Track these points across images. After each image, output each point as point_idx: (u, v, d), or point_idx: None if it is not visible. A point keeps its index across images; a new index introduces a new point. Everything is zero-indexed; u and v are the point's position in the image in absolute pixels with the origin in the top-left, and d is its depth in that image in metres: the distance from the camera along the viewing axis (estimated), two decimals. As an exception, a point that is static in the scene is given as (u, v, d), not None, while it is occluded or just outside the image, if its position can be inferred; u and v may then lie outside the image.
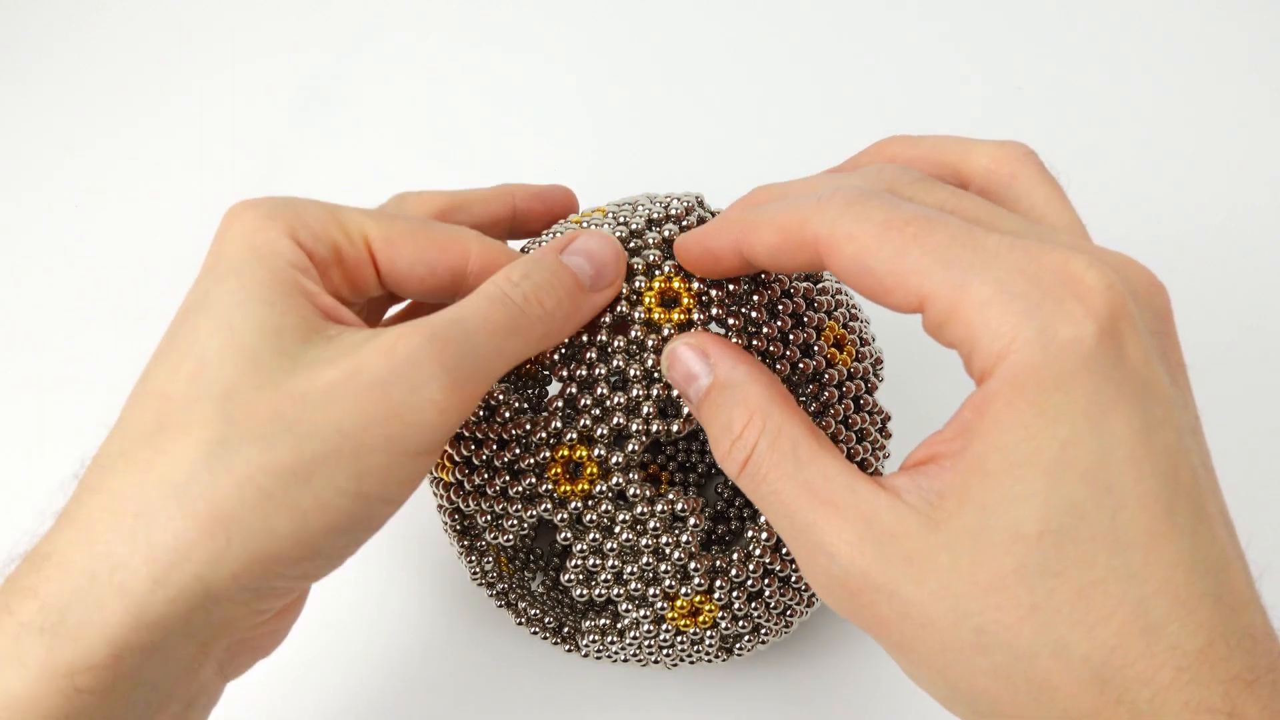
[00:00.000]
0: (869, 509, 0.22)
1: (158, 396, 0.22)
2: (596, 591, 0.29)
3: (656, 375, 0.28)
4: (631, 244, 0.29)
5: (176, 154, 0.52)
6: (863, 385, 0.30)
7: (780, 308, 0.29)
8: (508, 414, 0.28)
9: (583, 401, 0.28)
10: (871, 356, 0.31)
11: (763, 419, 0.23)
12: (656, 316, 0.28)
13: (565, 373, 0.28)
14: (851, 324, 0.31)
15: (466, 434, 0.29)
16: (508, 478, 0.28)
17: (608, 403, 0.28)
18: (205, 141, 0.52)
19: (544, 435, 0.28)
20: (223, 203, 0.49)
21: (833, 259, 0.22)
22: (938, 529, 0.21)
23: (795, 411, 0.24)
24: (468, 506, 0.30)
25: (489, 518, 0.29)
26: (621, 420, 0.28)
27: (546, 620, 0.32)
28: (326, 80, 0.55)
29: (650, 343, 0.28)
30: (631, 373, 0.28)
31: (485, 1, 0.58)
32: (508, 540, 0.29)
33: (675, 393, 0.28)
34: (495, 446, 0.29)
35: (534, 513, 0.28)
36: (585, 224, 0.30)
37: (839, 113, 0.53)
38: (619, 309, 0.28)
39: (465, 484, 0.30)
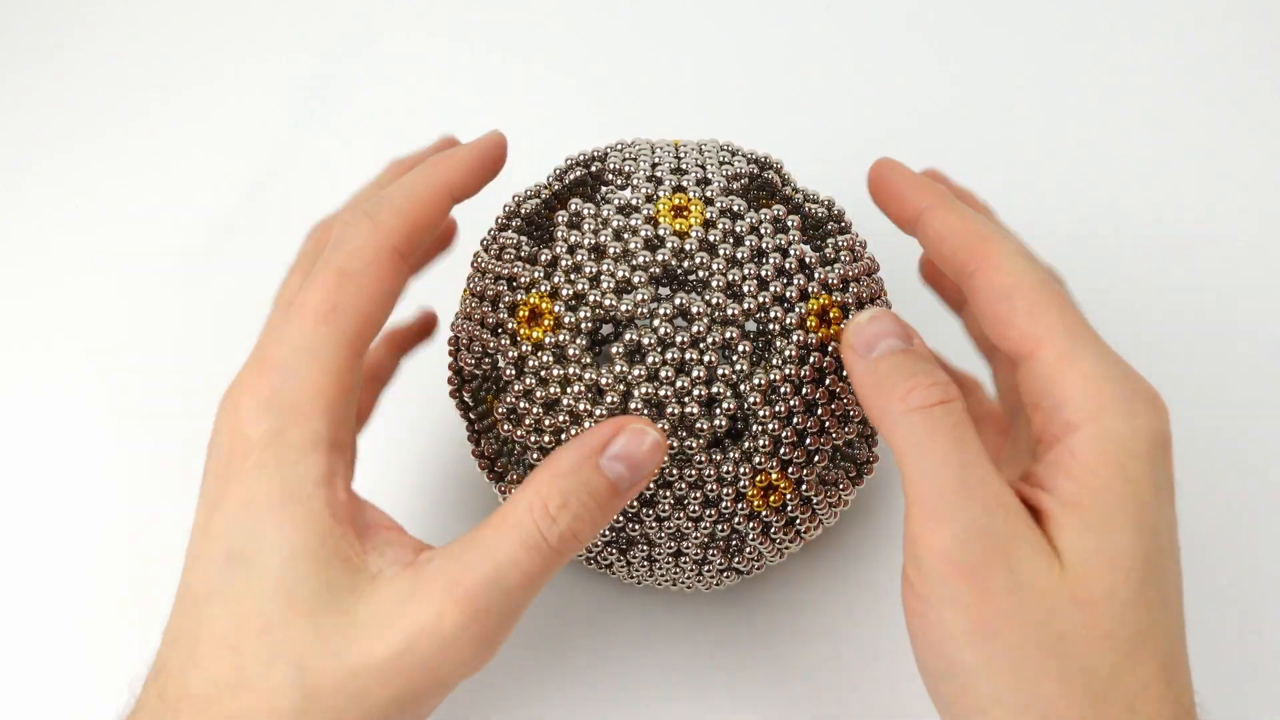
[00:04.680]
0: (1007, 482, 0.25)
1: (229, 647, 0.24)
2: (519, 434, 0.29)
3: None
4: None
5: (176, 155, 0.52)
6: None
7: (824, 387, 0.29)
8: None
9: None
10: None
11: (957, 389, 0.26)
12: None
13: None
14: None
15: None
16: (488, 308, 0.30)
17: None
18: (205, 142, 0.52)
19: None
20: (223, 204, 0.50)
21: (994, 273, 0.26)
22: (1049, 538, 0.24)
23: None
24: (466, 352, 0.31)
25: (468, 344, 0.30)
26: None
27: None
28: (327, 81, 0.55)
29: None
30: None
31: (486, 2, 0.58)
32: (470, 363, 0.31)
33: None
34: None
35: (494, 344, 0.29)
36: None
37: (839, 115, 0.53)
38: None
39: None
